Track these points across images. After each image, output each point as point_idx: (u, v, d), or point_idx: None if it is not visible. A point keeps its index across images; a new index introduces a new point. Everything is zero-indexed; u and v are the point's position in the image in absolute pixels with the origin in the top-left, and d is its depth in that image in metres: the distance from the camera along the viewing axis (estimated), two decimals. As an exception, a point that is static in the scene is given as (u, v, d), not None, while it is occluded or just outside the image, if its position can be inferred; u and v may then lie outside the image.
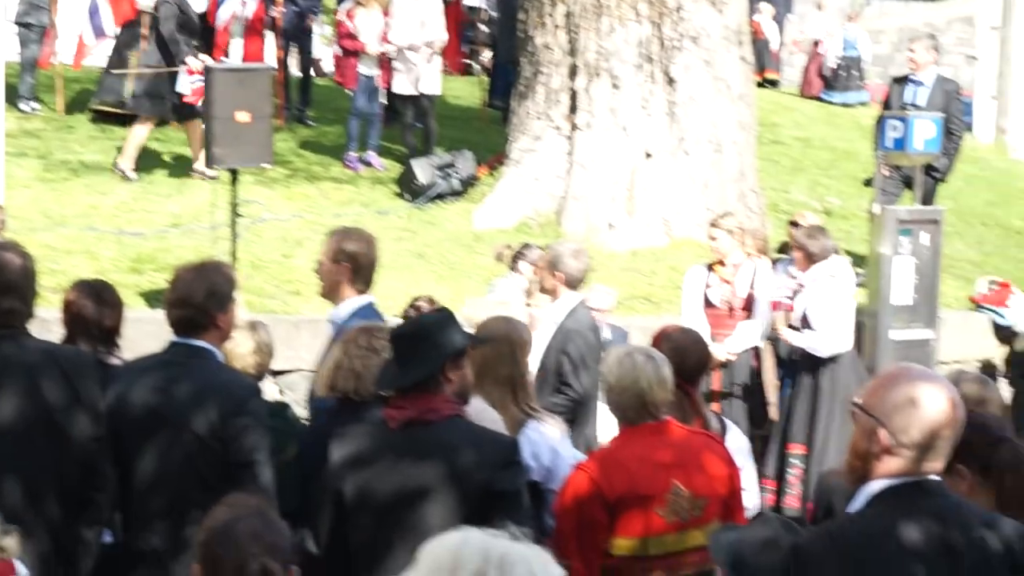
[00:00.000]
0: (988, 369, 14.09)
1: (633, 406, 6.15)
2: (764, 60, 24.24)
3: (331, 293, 7.40)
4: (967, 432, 4.50)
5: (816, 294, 10.89)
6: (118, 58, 16.47)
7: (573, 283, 9.41)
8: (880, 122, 13.37)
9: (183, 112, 15.60)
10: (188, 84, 14.92)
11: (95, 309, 7.23)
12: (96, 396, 5.98)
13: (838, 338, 10.88)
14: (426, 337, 5.58)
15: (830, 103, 24.31)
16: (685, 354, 6.94)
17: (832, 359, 10.90)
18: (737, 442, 7.39)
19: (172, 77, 15.48)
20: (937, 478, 4.29)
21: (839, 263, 11.46)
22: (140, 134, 15.62)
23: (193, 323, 6.07)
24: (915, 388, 4.25)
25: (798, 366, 11.08)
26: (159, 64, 15.73)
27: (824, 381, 10.91)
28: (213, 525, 4.12)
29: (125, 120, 16.34)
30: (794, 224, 12.30)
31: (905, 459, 4.21)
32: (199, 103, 13.85)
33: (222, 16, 17.79)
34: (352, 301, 7.31)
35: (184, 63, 15.22)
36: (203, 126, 12.59)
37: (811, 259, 10.98)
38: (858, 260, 14.20)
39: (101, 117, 17.18)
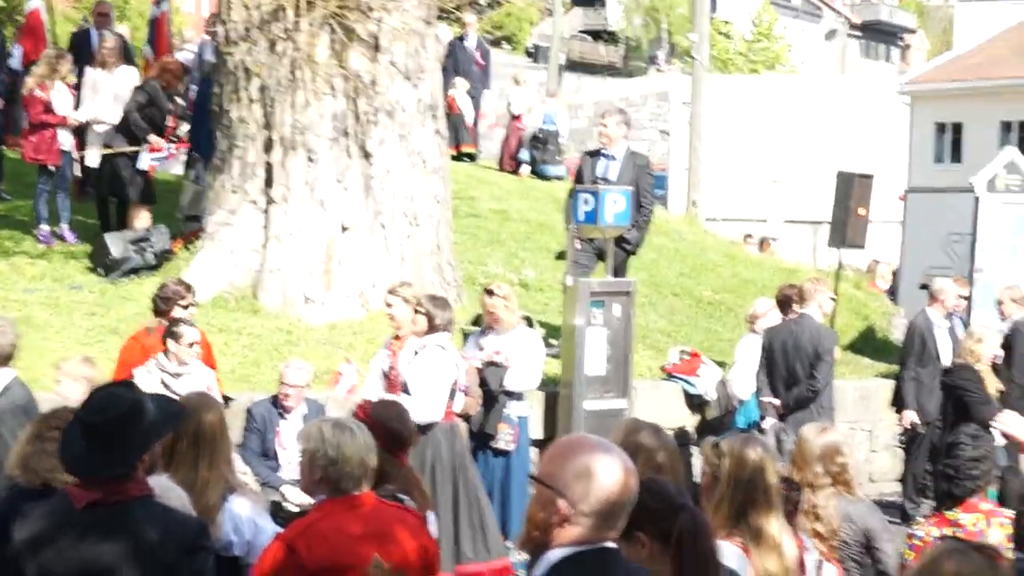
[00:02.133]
0: (681, 437, 14.40)
1: (331, 480, 6.14)
2: (460, 134, 24.47)
3: None
4: (648, 499, 4.58)
5: (422, 362, 10.91)
6: None
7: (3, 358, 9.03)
8: (572, 195, 13.59)
9: None
10: None
11: None
12: None
13: (430, 406, 10.87)
14: (123, 427, 5.43)
15: (528, 177, 24.63)
16: (387, 425, 6.97)
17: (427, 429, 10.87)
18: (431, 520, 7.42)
19: None
20: (615, 546, 4.34)
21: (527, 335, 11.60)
22: None
23: None
24: (591, 458, 4.31)
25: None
26: None
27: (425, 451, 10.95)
28: None
29: None
30: (489, 293, 12.41)
31: (584, 527, 4.27)
32: None
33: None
34: None
35: None
36: None
37: (433, 327, 11.01)
38: (553, 332, 14.38)
39: None
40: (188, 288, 11.65)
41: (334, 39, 15.25)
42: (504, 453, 12.15)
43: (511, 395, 12.20)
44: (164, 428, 5.71)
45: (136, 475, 5.46)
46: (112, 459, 5.37)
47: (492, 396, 12.06)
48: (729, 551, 5.84)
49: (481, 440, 12.15)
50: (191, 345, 10.68)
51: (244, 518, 6.98)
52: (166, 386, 10.35)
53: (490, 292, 12.40)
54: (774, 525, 6.01)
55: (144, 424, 5.48)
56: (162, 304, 11.37)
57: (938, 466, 7.12)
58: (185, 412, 6.42)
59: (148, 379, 10.33)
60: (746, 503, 5.97)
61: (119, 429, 5.41)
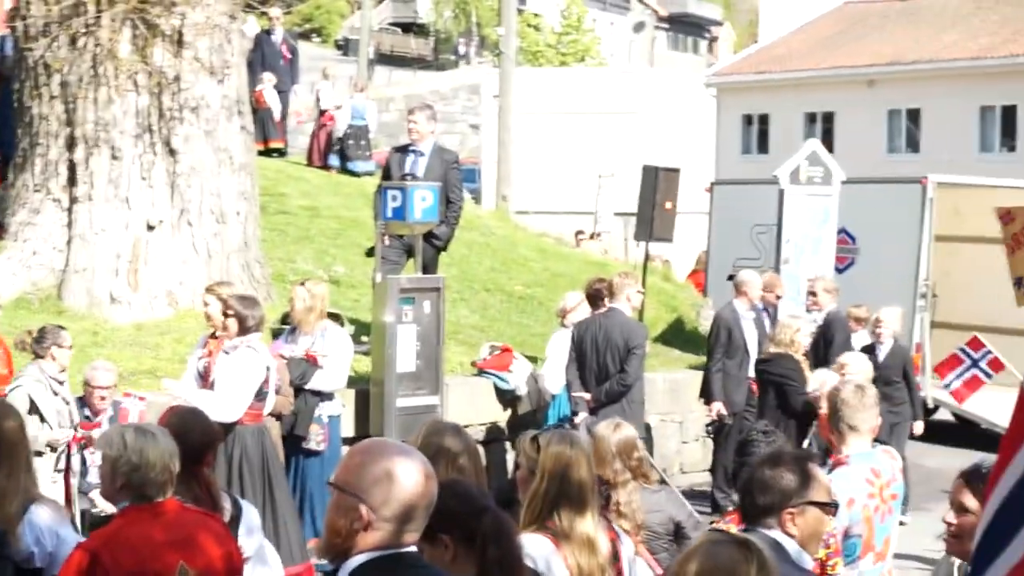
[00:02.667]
0: (493, 432, 14.45)
1: (132, 487, 6.06)
2: (268, 130, 24.28)
3: None
4: (451, 501, 4.58)
5: (231, 362, 10.83)
6: None
7: None
8: (380, 192, 13.54)
9: None
10: None
11: None
12: None
13: (231, 407, 10.80)
14: None
15: (338, 172, 24.53)
16: (188, 433, 6.88)
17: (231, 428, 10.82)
18: (250, 521, 7.37)
19: None
20: (415, 549, 4.34)
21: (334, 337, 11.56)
22: None
23: None
24: (390, 462, 4.30)
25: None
26: None
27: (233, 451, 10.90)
28: None
29: None
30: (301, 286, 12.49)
31: (384, 532, 4.26)
32: None
33: None
34: None
35: None
36: None
37: (244, 328, 10.92)
38: (364, 328, 14.32)
39: None
40: None
41: (136, 34, 15.02)
42: (316, 453, 12.10)
43: (321, 395, 12.15)
44: None
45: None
46: None
47: (304, 396, 12.03)
48: (539, 544, 5.86)
49: (294, 441, 12.09)
50: None
51: (45, 528, 6.83)
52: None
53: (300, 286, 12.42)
54: (588, 520, 6.04)
55: None
56: None
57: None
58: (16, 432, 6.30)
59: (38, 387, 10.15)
60: (560, 498, 5.99)
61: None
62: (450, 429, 6.11)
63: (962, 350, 12.88)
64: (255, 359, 10.94)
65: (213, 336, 11.24)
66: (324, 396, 12.20)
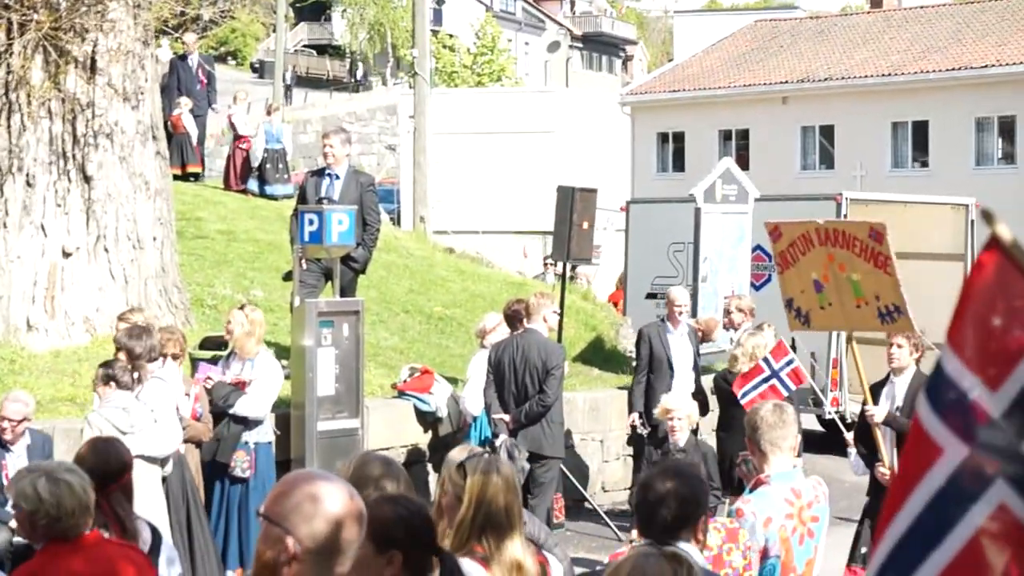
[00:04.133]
0: (416, 455, 14.45)
1: (49, 528, 6.07)
2: (185, 154, 24.19)
3: None
4: (405, 516, 4.58)
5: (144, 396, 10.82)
6: None
7: None
8: (297, 216, 13.55)
9: None
10: None
11: None
12: None
13: (162, 441, 10.81)
14: None
15: (255, 195, 24.46)
16: (100, 461, 6.88)
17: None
18: (171, 550, 7.36)
19: None
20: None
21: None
22: None
23: None
24: (315, 491, 4.27)
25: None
26: None
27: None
28: None
29: None
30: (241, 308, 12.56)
31: (311, 565, 4.22)
32: None
33: None
34: None
35: None
36: None
37: (134, 358, 10.88)
38: (283, 352, 14.30)
39: None
40: None
41: (49, 61, 14.93)
42: (242, 480, 12.06)
43: (248, 421, 12.12)
44: None
45: None
46: None
47: (229, 422, 12.02)
48: (471, 569, 5.88)
49: (218, 468, 12.05)
50: None
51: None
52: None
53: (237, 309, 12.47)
54: (516, 544, 6.07)
55: None
56: None
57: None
58: None
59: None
60: (486, 523, 6.02)
61: None
62: (379, 460, 6.13)
63: (765, 359, 12.94)
64: (162, 389, 10.92)
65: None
66: (251, 423, 12.17)
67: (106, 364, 10.56)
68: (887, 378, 12.46)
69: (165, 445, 10.66)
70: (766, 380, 12.86)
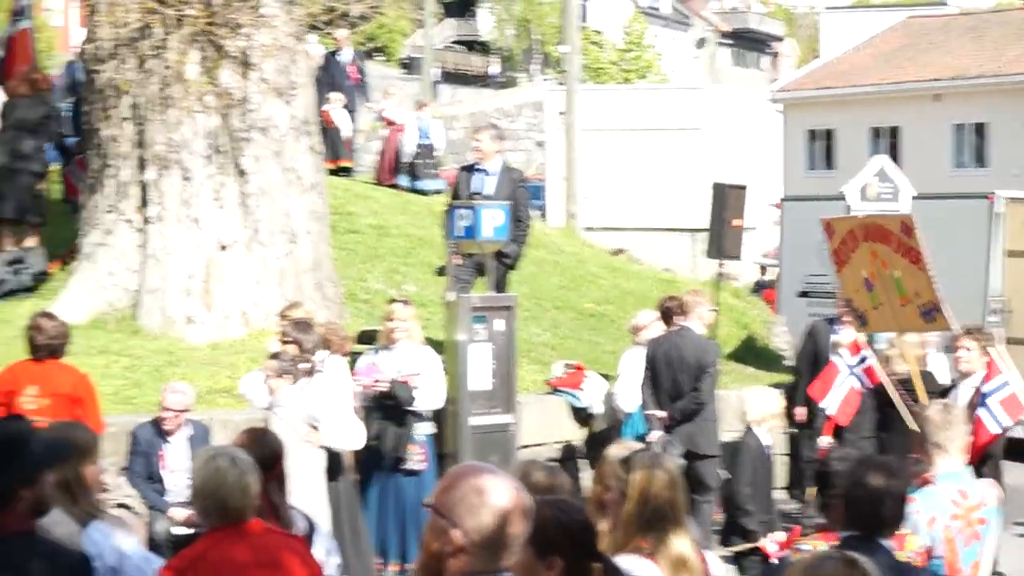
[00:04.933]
0: (569, 451, 14.38)
1: (216, 510, 6.12)
2: (337, 149, 24.30)
3: None
4: (563, 519, 4.52)
5: (321, 390, 10.86)
6: None
7: None
8: (449, 211, 13.55)
9: None
10: None
11: None
12: None
13: (352, 432, 10.90)
14: (4, 450, 5.32)
15: (405, 190, 24.55)
16: (260, 450, 6.94)
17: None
18: (327, 541, 7.41)
19: None
20: (510, 574, 4.29)
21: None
22: None
23: None
24: (482, 485, 4.25)
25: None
26: None
27: None
28: None
29: None
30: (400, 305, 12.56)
31: (476, 557, 4.22)
32: None
33: None
34: None
35: None
36: None
37: (305, 355, 10.95)
38: (435, 347, 14.29)
39: None
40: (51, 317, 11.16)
41: (204, 56, 15.08)
42: (415, 473, 12.10)
43: (416, 414, 12.15)
44: (46, 462, 5.57)
45: (16, 509, 5.33)
46: None
47: (399, 416, 12.04)
48: (635, 563, 5.82)
49: (390, 462, 12.09)
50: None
51: (106, 545, 6.86)
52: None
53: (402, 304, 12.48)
54: (683, 540, 6.01)
55: (23, 456, 5.36)
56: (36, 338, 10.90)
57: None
58: (73, 448, 6.32)
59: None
60: (654, 520, 5.96)
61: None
62: (542, 468, 6.11)
63: (839, 355, 12.55)
64: (336, 383, 11.06)
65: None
66: (417, 416, 12.20)
67: (277, 356, 10.63)
68: (953, 384, 12.09)
69: (352, 438, 10.79)
70: (844, 381, 12.64)
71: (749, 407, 12.42)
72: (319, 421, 10.54)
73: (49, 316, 10.95)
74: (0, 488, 5.30)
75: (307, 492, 9.37)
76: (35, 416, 9.42)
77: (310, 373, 10.85)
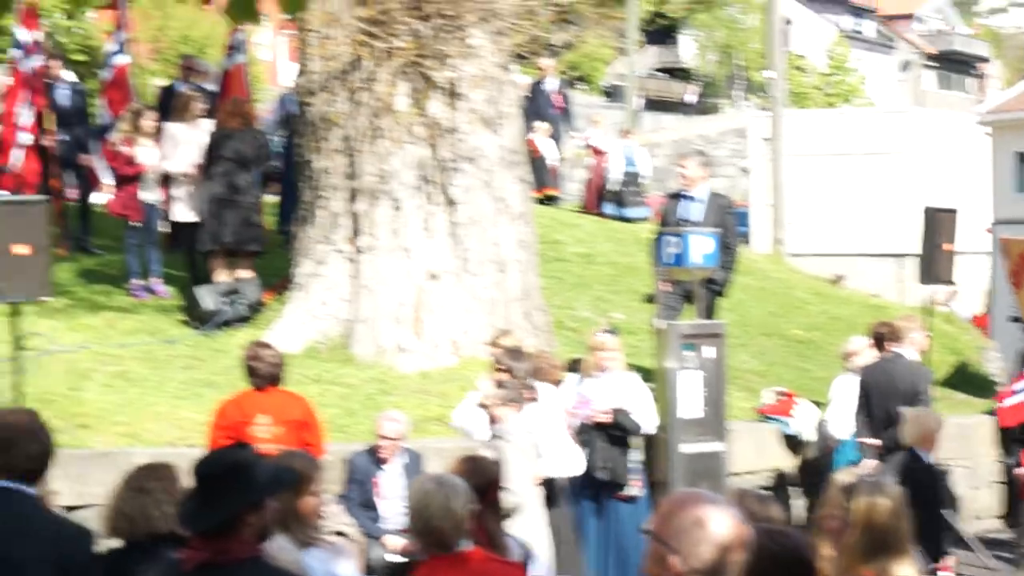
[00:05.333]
0: (780, 479, 14.26)
1: (426, 535, 6.16)
2: (542, 177, 24.45)
3: None
4: (781, 553, 4.51)
5: (538, 417, 10.88)
6: None
7: None
8: (658, 238, 13.55)
9: None
10: None
11: None
12: None
13: (566, 460, 10.93)
14: (227, 479, 5.44)
15: (611, 218, 24.59)
16: (476, 478, 6.97)
17: None
18: (543, 570, 7.43)
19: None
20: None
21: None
22: None
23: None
24: (702, 513, 4.26)
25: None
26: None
27: None
28: None
29: None
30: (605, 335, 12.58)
31: (695, 585, 4.21)
32: None
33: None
34: None
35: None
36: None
37: (521, 383, 10.98)
38: (645, 375, 14.28)
39: None
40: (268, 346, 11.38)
41: (413, 87, 15.29)
42: (631, 499, 12.12)
43: (627, 442, 12.20)
44: (273, 489, 5.68)
45: (242, 534, 5.43)
46: (214, 513, 5.37)
47: (616, 443, 12.07)
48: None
49: (603, 488, 12.12)
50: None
51: (325, 571, 6.99)
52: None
53: (610, 335, 12.51)
54: (907, 569, 5.94)
55: (251, 482, 5.47)
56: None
57: None
58: (297, 477, 6.43)
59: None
60: (878, 547, 5.90)
61: (223, 483, 5.42)
62: (753, 496, 6.08)
63: None
64: (551, 411, 11.11)
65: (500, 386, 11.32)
66: (629, 443, 12.25)
67: (502, 385, 10.71)
68: None
69: (572, 465, 10.87)
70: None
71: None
72: (541, 448, 10.60)
73: (266, 345, 11.17)
74: (227, 514, 5.40)
75: (526, 519, 9.41)
76: (268, 444, 9.64)
77: (530, 401, 10.92)
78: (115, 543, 6.52)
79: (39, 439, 6.04)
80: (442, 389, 14.16)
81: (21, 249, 11.65)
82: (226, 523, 5.38)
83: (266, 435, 10.19)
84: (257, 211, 16.77)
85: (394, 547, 11.12)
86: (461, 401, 11.91)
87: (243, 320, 15.86)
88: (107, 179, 17.58)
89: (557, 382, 12.26)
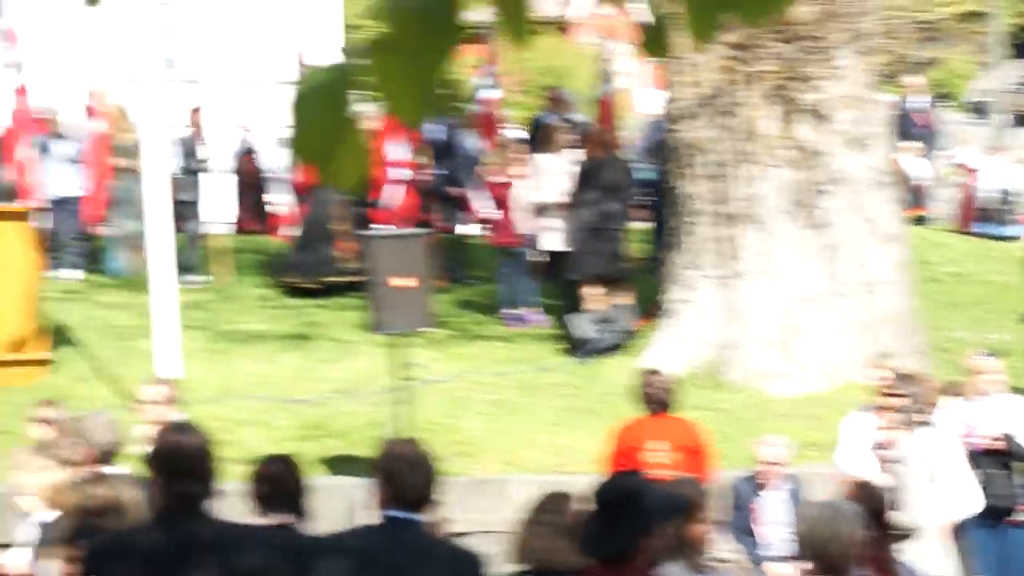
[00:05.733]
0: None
1: (816, 560, 6.14)
2: (913, 198, 24.00)
3: None
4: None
5: (934, 447, 10.63)
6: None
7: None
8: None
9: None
10: None
11: (289, 480, 7.10)
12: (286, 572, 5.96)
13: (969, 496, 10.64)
14: (626, 505, 5.54)
15: (983, 237, 23.98)
16: (869, 504, 6.92)
17: None
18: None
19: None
20: None
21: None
22: None
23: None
24: None
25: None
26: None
27: None
28: None
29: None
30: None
31: None
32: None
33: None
34: None
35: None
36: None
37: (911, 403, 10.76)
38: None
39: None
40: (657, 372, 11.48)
41: (781, 111, 15.25)
42: (1022, 524, 11.80)
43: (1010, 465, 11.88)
44: (667, 516, 5.76)
45: (638, 561, 5.51)
46: (614, 539, 5.46)
47: (1005, 469, 11.77)
48: None
49: (992, 514, 11.82)
50: None
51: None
52: None
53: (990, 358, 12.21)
54: None
55: (647, 509, 5.54)
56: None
57: None
58: (690, 503, 6.50)
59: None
60: None
61: (621, 509, 5.50)
62: None
63: None
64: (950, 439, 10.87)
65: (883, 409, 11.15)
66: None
67: (898, 409, 10.55)
68: None
69: (972, 495, 10.62)
70: None
71: None
72: (936, 473, 10.41)
73: (656, 372, 11.26)
74: (624, 540, 5.49)
75: (923, 546, 9.24)
76: (666, 470, 9.72)
77: (922, 425, 10.74)
78: (516, 568, 6.67)
79: (424, 468, 6.18)
80: (817, 413, 14.03)
81: (403, 281, 11.97)
82: (626, 549, 5.47)
83: (664, 460, 10.27)
84: (624, 239, 16.93)
85: (776, 574, 11.05)
86: (837, 429, 11.76)
87: (614, 347, 16.02)
88: (484, 210, 18.04)
89: (934, 405, 12.00)
